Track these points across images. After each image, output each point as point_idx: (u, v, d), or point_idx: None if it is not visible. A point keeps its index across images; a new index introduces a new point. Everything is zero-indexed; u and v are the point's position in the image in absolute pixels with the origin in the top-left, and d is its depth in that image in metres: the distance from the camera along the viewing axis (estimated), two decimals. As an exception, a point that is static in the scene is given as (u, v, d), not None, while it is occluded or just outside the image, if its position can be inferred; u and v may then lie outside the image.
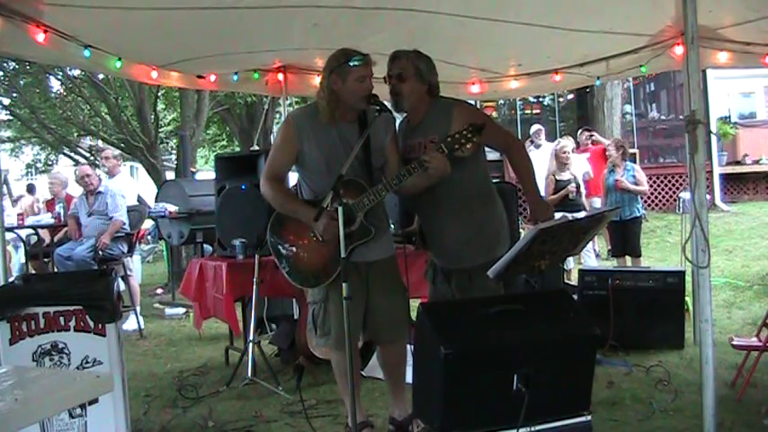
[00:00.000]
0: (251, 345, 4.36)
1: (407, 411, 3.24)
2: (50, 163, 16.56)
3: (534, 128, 9.60)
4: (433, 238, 3.33)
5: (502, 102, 14.14)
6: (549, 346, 2.74)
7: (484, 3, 4.02)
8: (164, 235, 7.72)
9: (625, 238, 6.65)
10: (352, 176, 3.01)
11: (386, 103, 3.14)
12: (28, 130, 13.90)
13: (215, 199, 4.97)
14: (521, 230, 6.71)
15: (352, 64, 2.97)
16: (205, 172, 16.22)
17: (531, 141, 9.38)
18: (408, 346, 3.29)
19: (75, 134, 13.98)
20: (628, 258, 6.70)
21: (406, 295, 3.35)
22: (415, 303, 3.52)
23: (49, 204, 8.24)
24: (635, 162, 10.24)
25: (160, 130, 12.85)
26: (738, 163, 13.16)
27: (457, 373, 2.56)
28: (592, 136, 9.46)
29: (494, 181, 7.85)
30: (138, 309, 6.51)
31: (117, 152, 8.42)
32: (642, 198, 7.11)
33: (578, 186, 7.04)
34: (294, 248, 3.14)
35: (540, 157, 8.75)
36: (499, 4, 4.04)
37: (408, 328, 3.28)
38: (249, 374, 4.25)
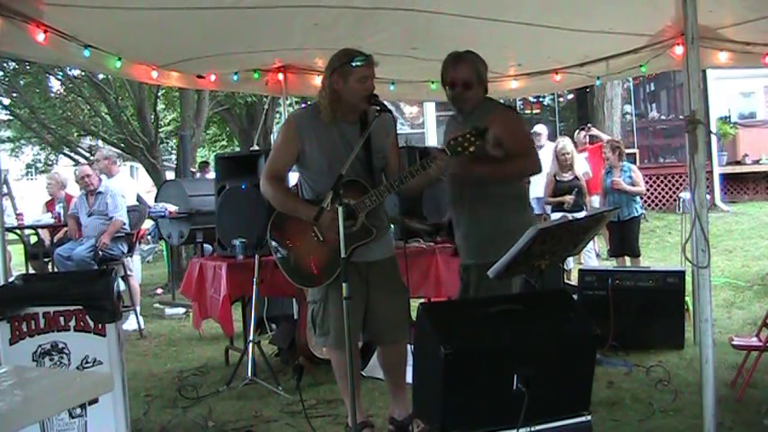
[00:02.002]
0: (251, 345, 4.36)
1: (407, 411, 3.24)
2: (50, 163, 16.51)
3: (536, 128, 9.48)
4: (456, 229, 3.46)
5: (502, 102, 14.15)
6: (549, 346, 2.74)
7: (484, 3, 4.02)
8: (164, 235, 7.72)
9: (624, 238, 6.64)
10: (353, 177, 3.02)
11: (386, 103, 3.16)
12: (28, 130, 13.88)
13: (215, 199, 4.97)
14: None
15: (354, 64, 2.99)
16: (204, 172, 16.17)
17: None
18: (408, 346, 3.30)
19: (75, 134, 13.97)
20: (627, 258, 6.69)
21: (406, 295, 3.36)
22: (415, 303, 3.53)
23: (49, 204, 8.21)
24: (634, 162, 10.25)
25: (160, 130, 12.82)
26: (738, 163, 13.15)
27: (457, 373, 2.56)
28: (590, 131, 9.40)
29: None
30: (138, 309, 6.51)
31: (110, 153, 8.39)
32: (642, 198, 7.09)
33: (579, 190, 6.99)
34: (294, 248, 3.14)
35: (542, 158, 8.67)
36: (499, 4, 4.04)
37: (408, 328, 3.28)
38: (249, 374, 4.25)
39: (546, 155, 8.78)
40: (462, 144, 2.96)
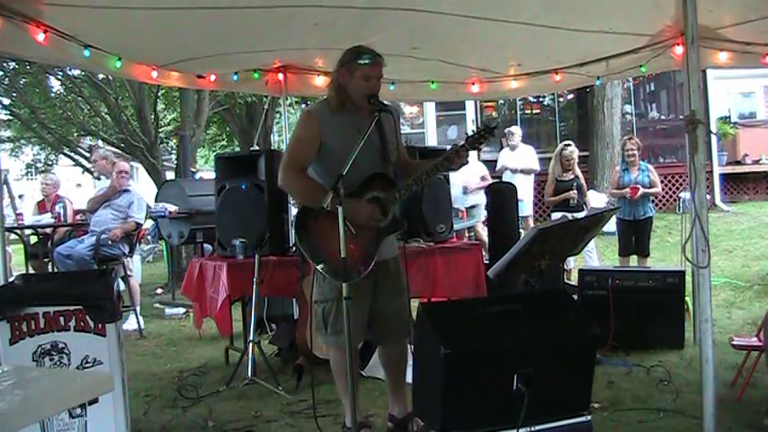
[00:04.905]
0: (251, 345, 4.36)
1: (407, 410, 3.25)
2: (50, 163, 16.47)
3: (511, 129, 9.43)
4: None
5: (502, 102, 14.14)
6: (549, 346, 2.74)
7: (484, 3, 4.01)
8: (164, 235, 7.71)
9: (636, 237, 6.62)
10: (380, 171, 3.10)
11: (386, 102, 3.16)
12: (28, 130, 13.87)
13: (215, 199, 4.97)
14: (520, 231, 6.72)
15: (360, 61, 3.04)
16: (205, 172, 16.19)
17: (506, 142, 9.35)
18: (408, 346, 3.30)
19: (75, 134, 13.95)
20: (631, 258, 6.68)
21: (408, 295, 3.36)
22: (415, 303, 3.53)
23: (41, 205, 8.13)
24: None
25: (160, 130, 12.81)
26: (738, 163, 13.15)
27: (457, 373, 2.56)
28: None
29: (492, 180, 7.82)
30: (138, 309, 6.51)
31: (107, 153, 8.35)
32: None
33: (580, 188, 7.02)
34: (326, 241, 3.04)
35: (515, 159, 8.74)
36: (499, 4, 4.04)
37: (409, 328, 3.29)
38: (249, 374, 4.25)
39: (520, 156, 8.83)
40: (479, 140, 3.08)
